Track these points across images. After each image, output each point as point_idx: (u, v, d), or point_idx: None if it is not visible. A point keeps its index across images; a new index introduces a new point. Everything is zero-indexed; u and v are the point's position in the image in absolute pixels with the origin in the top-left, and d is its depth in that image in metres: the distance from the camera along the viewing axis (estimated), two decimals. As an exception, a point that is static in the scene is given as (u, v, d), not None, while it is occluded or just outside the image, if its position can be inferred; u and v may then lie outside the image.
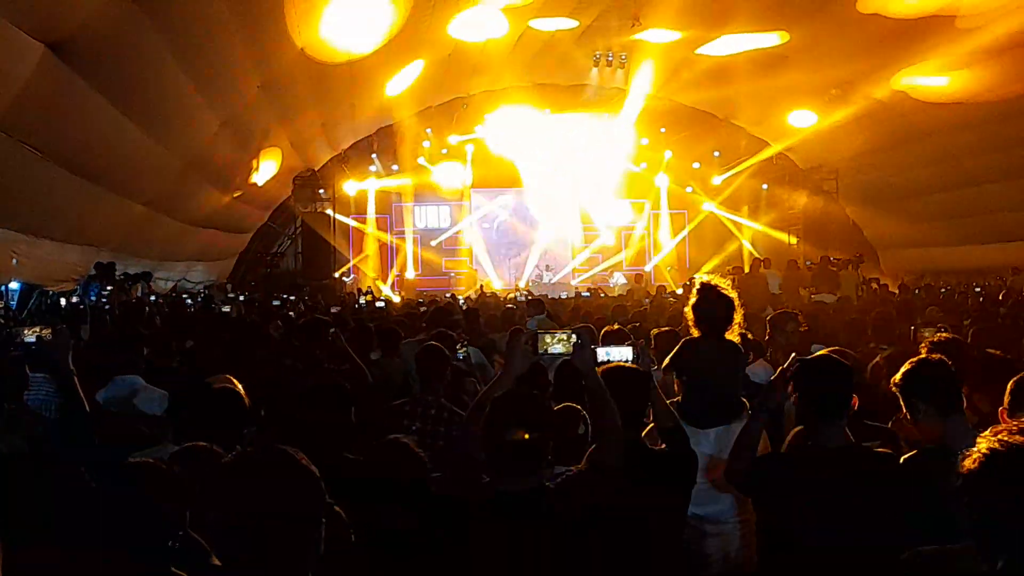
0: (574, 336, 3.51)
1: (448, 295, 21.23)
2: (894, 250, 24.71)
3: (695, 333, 4.96)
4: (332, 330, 6.65)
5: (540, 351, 3.52)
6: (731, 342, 4.89)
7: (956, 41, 15.30)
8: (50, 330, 4.25)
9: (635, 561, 3.16)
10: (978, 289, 17.02)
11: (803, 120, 22.41)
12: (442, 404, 5.09)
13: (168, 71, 12.18)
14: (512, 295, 22.07)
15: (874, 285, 19.54)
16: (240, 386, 4.28)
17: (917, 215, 22.23)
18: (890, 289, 18.91)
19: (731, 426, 4.33)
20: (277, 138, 19.25)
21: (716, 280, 5.05)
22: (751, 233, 27.77)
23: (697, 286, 5.00)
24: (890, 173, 21.93)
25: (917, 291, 17.79)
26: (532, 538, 2.96)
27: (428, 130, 25.97)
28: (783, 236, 26.81)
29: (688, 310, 5.03)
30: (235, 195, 19.63)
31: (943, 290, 17.91)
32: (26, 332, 4.27)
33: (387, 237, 28.74)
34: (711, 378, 4.66)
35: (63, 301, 13.20)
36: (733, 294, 4.97)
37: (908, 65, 16.96)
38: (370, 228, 28.55)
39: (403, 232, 29.04)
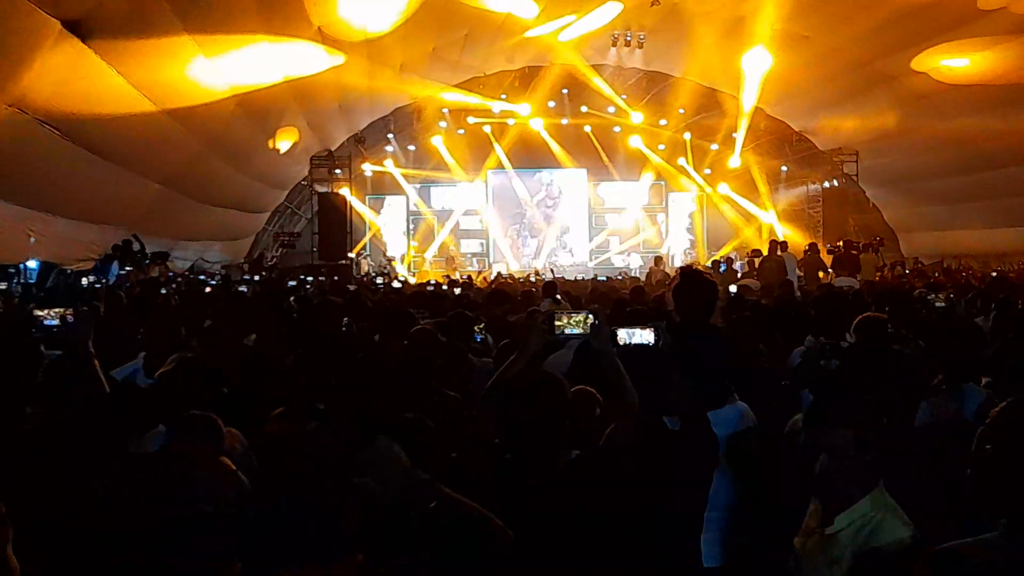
0: (591, 316, 3.45)
1: (465, 277, 21.21)
2: (914, 233, 24.52)
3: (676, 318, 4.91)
4: (346, 320, 6.59)
5: (556, 331, 3.47)
6: (714, 326, 4.85)
7: (977, 21, 15.10)
8: (72, 311, 4.23)
9: (652, 541, 3.12)
10: (994, 273, 16.86)
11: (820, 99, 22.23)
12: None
13: (185, 50, 12.14)
14: (529, 277, 22.06)
15: (898, 269, 19.41)
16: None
17: (937, 198, 22.05)
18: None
19: (718, 412, 4.28)
20: (294, 118, 19.21)
21: (700, 265, 5.02)
22: (769, 215, 27.63)
23: (679, 272, 5.00)
24: (910, 155, 21.74)
25: (936, 275, 17.66)
26: (548, 517, 2.92)
27: (445, 111, 25.87)
28: (801, 219, 26.69)
29: (670, 296, 4.99)
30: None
31: (964, 273, 17.76)
32: (48, 314, 4.25)
33: (403, 217, 28.78)
34: (694, 363, 4.59)
35: (84, 281, 13.22)
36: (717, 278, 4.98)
37: (929, 46, 16.75)
38: (387, 208, 28.57)
39: (419, 213, 29.06)
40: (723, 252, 27.24)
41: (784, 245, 18.50)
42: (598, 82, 24.41)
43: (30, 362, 4.18)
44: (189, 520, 3.00)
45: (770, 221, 27.27)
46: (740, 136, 25.07)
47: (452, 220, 28.97)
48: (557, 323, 3.47)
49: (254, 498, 3.29)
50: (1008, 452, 2.36)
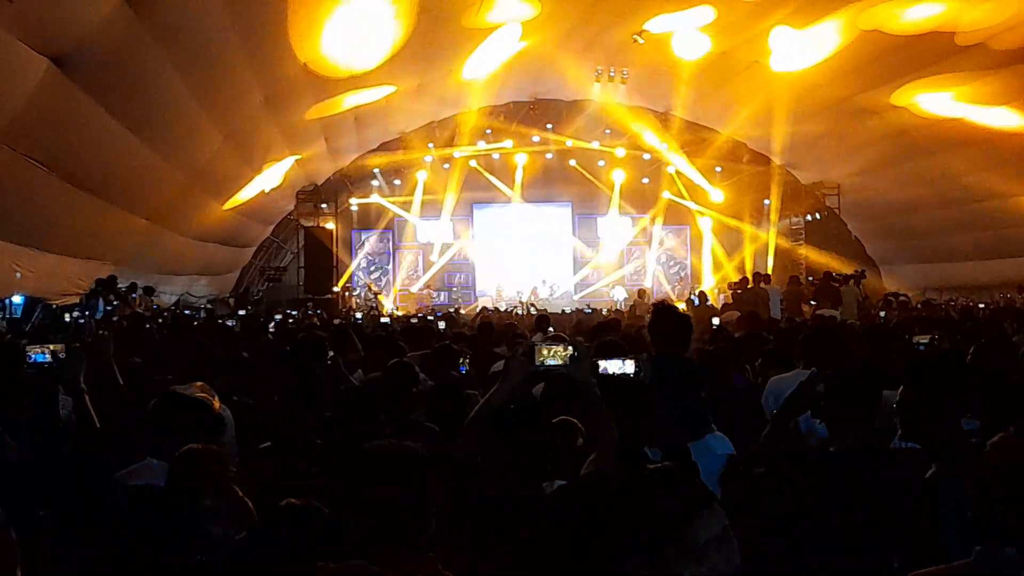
0: (571, 348, 3.52)
1: (452, 310, 21.29)
2: (896, 266, 24.73)
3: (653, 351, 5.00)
4: (331, 354, 6.62)
5: (537, 363, 3.53)
6: (689, 359, 4.94)
7: (956, 57, 15.35)
8: (63, 347, 4.30)
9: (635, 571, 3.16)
10: (982, 305, 17.02)
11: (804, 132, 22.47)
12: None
13: (171, 86, 12.23)
14: (516, 311, 22.15)
15: (875, 303, 19.56)
16: (212, 395, 4.31)
17: (918, 231, 22.29)
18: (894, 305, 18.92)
19: (696, 444, 4.34)
20: (280, 152, 19.30)
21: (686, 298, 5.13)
22: (752, 248, 27.80)
23: (652, 307, 5.09)
24: (891, 189, 21.98)
25: (919, 306, 17.80)
26: (529, 545, 2.97)
27: (430, 145, 26.02)
28: (785, 248, 26.88)
29: (645, 331, 5.10)
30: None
31: (944, 305, 17.90)
32: (36, 349, 4.31)
33: (389, 251, 28.87)
34: (671, 396, 4.66)
35: (67, 316, 13.22)
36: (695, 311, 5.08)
37: (909, 81, 16.99)
38: (372, 242, 28.66)
39: (406, 246, 29.15)
40: (707, 284, 27.44)
41: (768, 278, 18.67)
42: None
43: (21, 396, 4.24)
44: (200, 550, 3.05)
45: (753, 253, 27.43)
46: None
47: (438, 254, 29.03)
48: (537, 355, 3.54)
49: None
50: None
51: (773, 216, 27.06)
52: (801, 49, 17.21)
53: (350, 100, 18.28)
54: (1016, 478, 2.44)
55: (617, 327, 10.05)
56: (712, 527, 1.93)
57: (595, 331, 8.73)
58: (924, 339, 6.70)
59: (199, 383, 4.53)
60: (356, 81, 16.77)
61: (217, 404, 4.30)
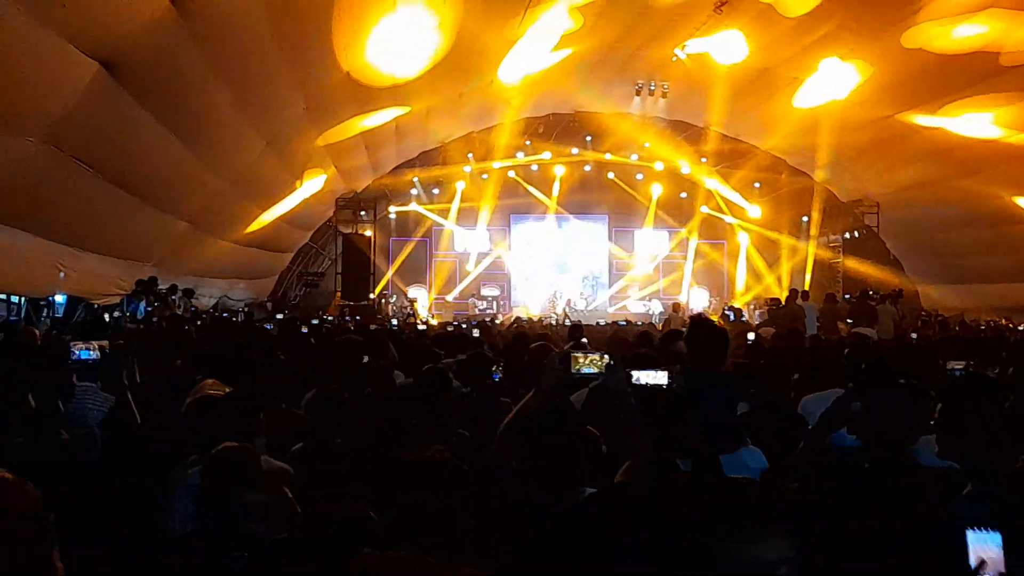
0: (606, 357, 3.55)
1: (488, 319, 21.33)
2: (934, 286, 24.48)
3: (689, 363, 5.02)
4: (366, 359, 6.69)
5: (572, 370, 3.56)
6: (725, 372, 4.94)
7: (1000, 77, 15.22)
8: (107, 344, 4.40)
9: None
10: (1022, 328, 16.82)
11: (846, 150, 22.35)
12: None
13: (214, 92, 12.38)
14: (550, 322, 22.16)
15: (913, 323, 19.38)
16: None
17: (958, 250, 22.04)
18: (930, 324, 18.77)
19: (729, 457, 4.35)
20: (321, 159, 19.47)
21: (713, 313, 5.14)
22: (790, 264, 27.64)
23: (690, 320, 5.12)
24: (931, 208, 21.77)
25: (956, 328, 17.63)
26: (562, 551, 3.00)
27: (470, 155, 26.14)
28: (823, 265, 26.70)
29: (682, 343, 5.11)
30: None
31: (982, 327, 17.71)
32: (80, 346, 4.41)
33: (426, 260, 29.00)
34: (705, 408, 4.66)
35: (107, 317, 13.41)
36: (731, 326, 5.09)
37: (950, 101, 16.86)
38: (410, 250, 28.81)
39: (442, 255, 29.26)
40: (742, 301, 27.31)
41: (805, 294, 18.54)
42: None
43: (65, 391, 4.32)
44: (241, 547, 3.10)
45: (791, 270, 27.28)
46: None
47: (474, 263, 29.13)
48: (573, 363, 3.57)
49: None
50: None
51: (812, 231, 26.89)
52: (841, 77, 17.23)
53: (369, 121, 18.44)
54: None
55: (651, 340, 10.05)
56: (782, 550, 1.95)
57: (629, 343, 8.74)
58: (959, 365, 6.61)
59: (212, 381, 4.62)
60: (396, 91, 16.92)
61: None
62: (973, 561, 3.01)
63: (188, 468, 3.81)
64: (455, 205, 27.93)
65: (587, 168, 27.87)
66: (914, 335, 15.40)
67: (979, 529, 3.05)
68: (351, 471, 4.10)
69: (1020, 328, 16.72)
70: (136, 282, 15.17)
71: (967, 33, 14.44)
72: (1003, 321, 18.59)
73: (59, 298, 13.64)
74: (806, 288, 22.29)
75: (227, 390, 4.57)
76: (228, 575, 3.06)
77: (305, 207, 21.87)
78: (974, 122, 17.19)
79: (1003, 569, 2.96)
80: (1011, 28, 13.97)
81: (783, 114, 21.11)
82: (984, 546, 2.97)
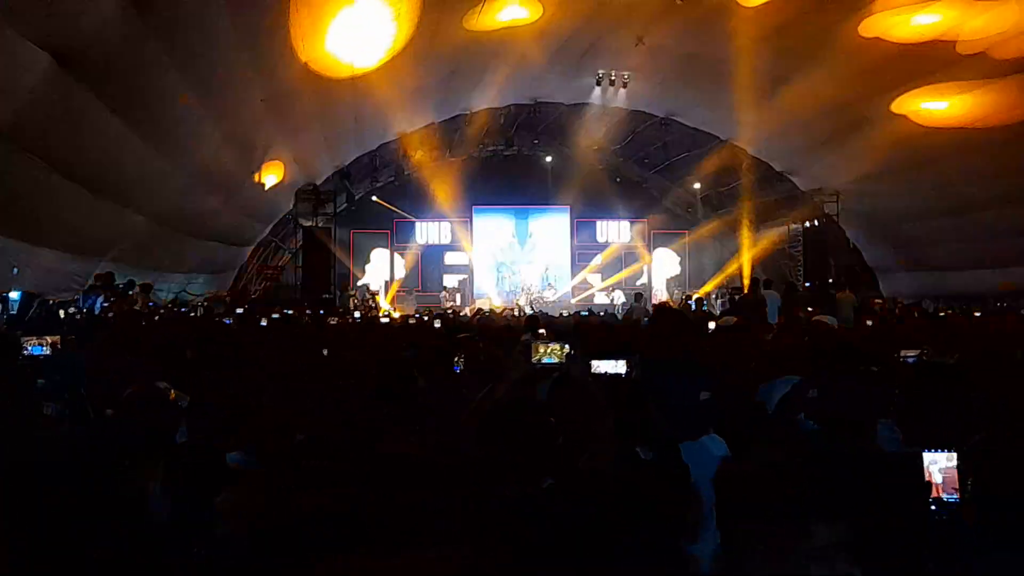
0: (567, 347, 3.55)
1: (449, 311, 21.31)
2: (893, 274, 24.76)
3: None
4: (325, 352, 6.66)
5: (533, 360, 3.56)
6: (687, 361, 4.96)
7: (957, 66, 15.39)
8: (59, 339, 4.33)
9: (626, 567, 3.18)
10: (977, 314, 17.04)
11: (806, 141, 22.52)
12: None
13: (172, 85, 12.25)
14: (513, 312, 22.17)
15: (876, 307, 19.59)
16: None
17: (917, 239, 22.30)
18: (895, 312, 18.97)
19: (689, 445, 4.36)
20: (279, 152, 19.32)
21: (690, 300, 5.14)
22: (751, 254, 27.83)
23: (653, 309, 5.13)
24: (891, 197, 22.00)
25: (916, 315, 17.82)
26: (526, 540, 2.98)
27: (431, 147, 26.05)
28: (783, 254, 26.91)
29: (642, 332, 5.14)
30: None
31: (941, 315, 17.92)
32: (32, 341, 4.34)
33: (387, 252, 28.90)
34: (666, 396, 4.67)
35: (62, 312, 13.22)
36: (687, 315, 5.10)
37: (909, 90, 17.04)
38: (371, 243, 28.69)
39: (404, 247, 29.18)
40: (704, 289, 27.48)
41: (768, 283, 18.66)
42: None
43: (23, 386, 4.25)
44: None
45: (752, 259, 27.48)
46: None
47: (435, 255, 29.10)
48: (534, 353, 3.57)
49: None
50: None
51: (773, 220, 27.10)
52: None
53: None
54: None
55: (611, 330, 10.08)
56: (840, 534, 1.94)
57: (590, 333, 8.74)
58: (912, 353, 6.67)
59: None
60: (357, 81, 16.82)
61: (173, 395, 4.31)
62: (928, 478, 3.09)
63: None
64: (417, 197, 27.79)
65: (548, 159, 27.88)
66: (869, 323, 15.59)
67: (935, 449, 3.14)
68: (320, 466, 4.05)
69: (977, 315, 16.93)
70: (93, 276, 14.98)
71: (923, 22, 14.59)
72: (955, 311, 18.82)
73: (13, 295, 13.42)
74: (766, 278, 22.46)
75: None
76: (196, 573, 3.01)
77: (264, 199, 21.70)
78: (933, 111, 17.38)
79: (956, 485, 3.04)
80: (966, 17, 14.13)
81: (743, 104, 21.20)
82: (939, 465, 3.07)
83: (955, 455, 3.14)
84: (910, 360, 6.50)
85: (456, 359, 6.65)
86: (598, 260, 30.10)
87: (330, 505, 3.02)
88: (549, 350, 3.54)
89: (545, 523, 3.04)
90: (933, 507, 3.09)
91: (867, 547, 2.04)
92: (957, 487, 3.10)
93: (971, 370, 6.18)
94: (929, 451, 3.18)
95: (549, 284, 28.51)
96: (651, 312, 18.21)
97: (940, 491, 3.13)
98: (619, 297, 27.75)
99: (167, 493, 3.32)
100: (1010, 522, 2.77)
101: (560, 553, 2.93)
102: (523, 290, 27.79)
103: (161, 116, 13.06)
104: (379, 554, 2.61)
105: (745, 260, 27.79)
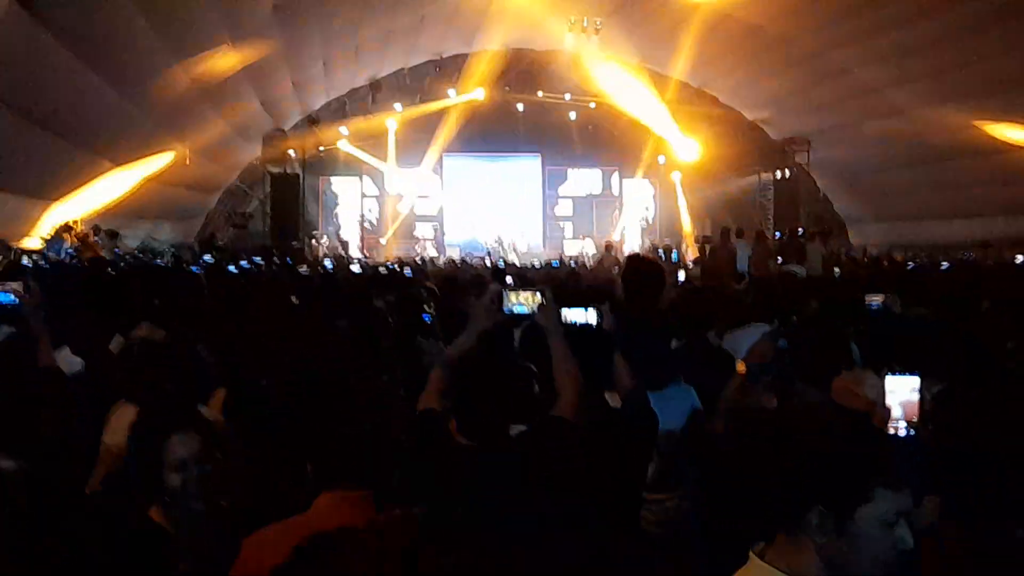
0: (538, 295, 3.53)
1: (418, 259, 21.27)
2: (864, 224, 24.93)
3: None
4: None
5: (505, 309, 3.54)
6: (658, 311, 4.97)
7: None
8: (20, 285, 4.25)
9: (597, 513, 3.20)
10: (945, 264, 17.18)
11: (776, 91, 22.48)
12: None
13: (136, 25, 12.01)
14: (484, 262, 22.13)
15: (842, 257, 19.74)
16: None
17: (887, 189, 22.44)
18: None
19: (663, 392, 4.37)
20: (246, 95, 19.04)
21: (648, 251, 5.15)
22: (721, 203, 27.90)
23: (625, 259, 5.12)
24: (861, 147, 22.08)
25: (886, 264, 17.98)
26: (498, 491, 2.99)
27: (400, 92, 25.77)
28: (753, 203, 27.03)
29: (613, 280, 5.14)
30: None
31: (909, 265, 18.08)
32: (3, 288, 4.26)
33: (357, 199, 28.72)
34: (639, 346, 4.69)
35: (25, 259, 13.04)
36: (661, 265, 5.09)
37: (881, 39, 16.99)
38: (340, 189, 28.49)
39: (374, 195, 29.00)
40: (675, 239, 27.55)
41: (740, 232, 18.72)
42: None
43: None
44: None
45: (723, 207, 27.54)
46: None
47: (405, 203, 28.95)
48: (506, 300, 3.55)
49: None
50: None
51: (743, 169, 27.17)
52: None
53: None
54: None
55: (580, 279, 10.12)
56: (900, 503, 1.94)
57: (561, 282, 8.77)
58: (876, 298, 6.68)
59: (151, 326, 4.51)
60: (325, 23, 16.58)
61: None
62: (890, 402, 3.13)
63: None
64: (389, 145, 27.54)
65: (520, 107, 27.66)
66: (837, 269, 15.73)
67: (897, 372, 3.18)
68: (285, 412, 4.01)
69: (945, 265, 17.07)
70: (58, 223, 14.82)
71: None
72: (923, 259, 19.00)
73: (-25, 242, 13.25)
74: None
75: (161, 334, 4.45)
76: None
77: (231, 144, 21.44)
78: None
79: (916, 415, 3.08)
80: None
81: (715, 51, 21.11)
82: (899, 393, 3.11)
83: (917, 379, 3.15)
84: (874, 306, 6.52)
85: (426, 307, 6.64)
86: (569, 209, 30.07)
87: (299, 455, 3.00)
88: (521, 298, 3.51)
89: (515, 470, 3.04)
90: (892, 434, 3.12)
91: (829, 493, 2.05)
92: (917, 416, 3.13)
93: (937, 320, 6.26)
94: (892, 374, 3.19)
95: (523, 234, 28.47)
96: (622, 262, 18.25)
97: (898, 420, 3.15)
98: (589, 247, 27.78)
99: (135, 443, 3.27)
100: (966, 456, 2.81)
101: (527, 500, 2.94)
102: (497, 241, 27.71)
103: (125, 58, 12.82)
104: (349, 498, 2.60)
105: (716, 209, 27.86)
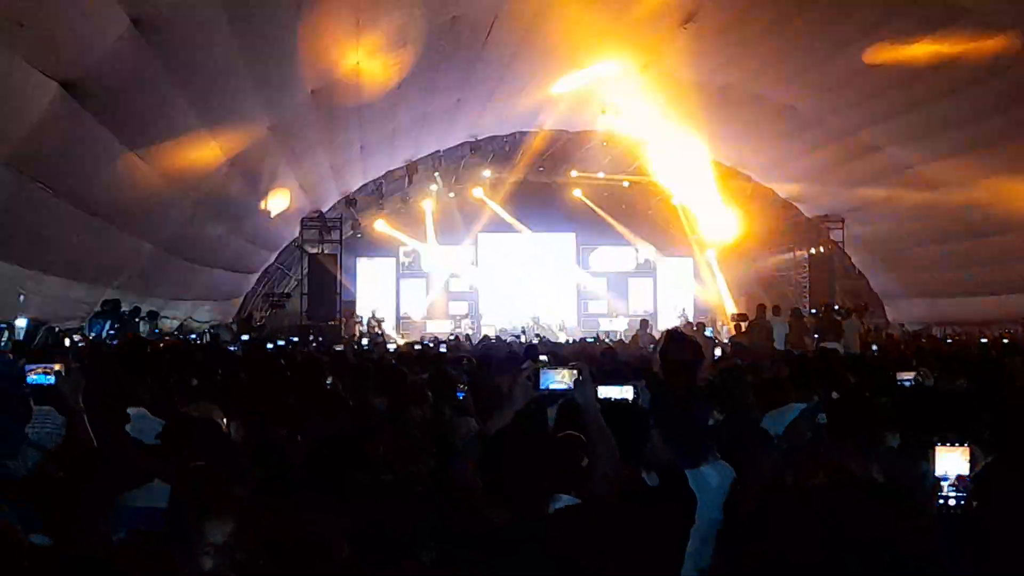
0: (575, 372, 3.54)
1: (453, 336, 21.31)
2: (899, 300, 24.72)
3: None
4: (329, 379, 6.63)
5: (541, 386, 3.55)
6: (695, 387, 4.95)
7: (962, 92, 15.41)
8: (62, 366, 4.32)
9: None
10: (984, 340, 16.98)
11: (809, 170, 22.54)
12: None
13: (179, 111, 12.29)
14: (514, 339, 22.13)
15: (876, 335, 19.57)
16: (222, 417, 4.31)
17: (922, 265, 22.28)
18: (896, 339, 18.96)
19: (701, 470, 4.33)
20: (285, 179, 19.37)
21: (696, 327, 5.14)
22: (757, 280, 27.80)
23: (664, 334, 5.12)
24: (895, 224, 22.03)
25: (923, 341, 17.81)
26: (527, 569, 2.96)
27: (436, 174, 26.13)
28: (789, 280, 26.90)
29: (649, 357, 5.14)
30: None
31: (948, 340, 17.89)
32: (37, 370, 4.33)
33: (393, 279, 28.91)
34: (674, 422, 4.66)
35: (67, 341, 13.22)
36: (700, 341, 5.09)
37: (913, 116, 17.06)
38: (377, 269, 28.72)
39: (410, 275, 29.19)
40: (710, 316, 27.42)
41: (775, 309, 18.65)
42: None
43: (22, 415, 4.24)
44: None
45: (759, 285, 27.43)
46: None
47: (441, 282, 29.13)
48: (542, 378, 3.56)
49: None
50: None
51: (779, 247, 27.12)
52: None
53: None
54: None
55: (616, 355, 10.09)
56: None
57: (596, 359, 8.74)
58: (908, 376, 6.63)
59: (207, 404, 4.54)
60: (363, 109, 16.90)
61: (225, 426, 4.31)
62: (938, 471, 3.08)
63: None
64: (427, 225, 27.85)
65: (554, 185, 27.93)
66: (875, 347, 15.57)
67: (947, 443, 3.14)
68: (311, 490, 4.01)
69: (982, 341, 16.87)
70: (100, 304, 15.02)
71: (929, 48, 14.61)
72: (960, 336, 18.80)
73: (20, 322, 13.43)
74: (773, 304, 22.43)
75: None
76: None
77: (271, 226, 21.75)
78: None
79: (966, 486, 3.04)
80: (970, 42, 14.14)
81: (748, 130, 21.28)
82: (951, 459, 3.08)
83: (967, 449, 3.13)
84: (906, 383, 6.48)
85: (461, 386, 6.65)
86: (603, 286, 30.10)
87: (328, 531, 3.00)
88: (557, 375, 3.52)
89: (551, 547, 3.02)
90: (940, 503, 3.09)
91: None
92: (967, 487, 3.11)
93: (976, 396, 6.18)
94: (942, 444, 3.17)
95: (553, 310, 28.48)
96: (657, 339, 18.18)
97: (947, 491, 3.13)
98: (622, 324, 27.74)
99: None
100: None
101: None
102: (532, 319, 27.74)
103: (167, 143, 13.08)
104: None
105: (752, 286, 27.75)
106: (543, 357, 9.25)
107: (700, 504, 4.04)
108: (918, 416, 4.09)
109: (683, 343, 5.05)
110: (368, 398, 6.08)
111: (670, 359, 4.97)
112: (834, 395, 5.57)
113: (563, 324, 28.45)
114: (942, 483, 3.14)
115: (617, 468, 3.44)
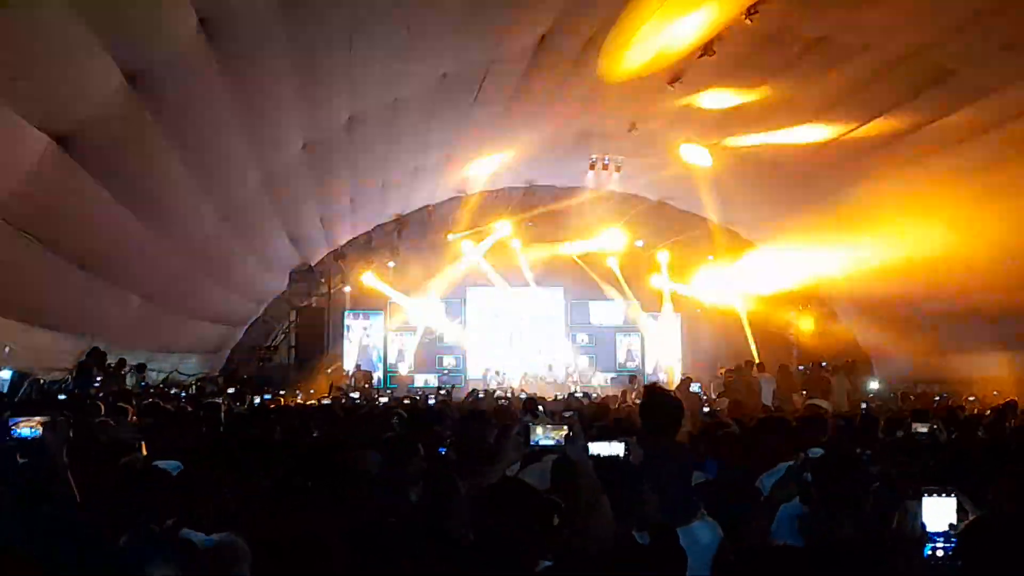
0: (565, 428, 3.54)
1: (443, 392, 21.25)
2: (888, 358, 24.72)
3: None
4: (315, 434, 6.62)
5: (532, 442, 3.55)
6: (678, 443, 4.95)
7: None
8: (48, 420, 4.30)
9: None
10: (971, 398, 17.02)
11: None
12: None
13: (170, 166, 12.32)
14: (505, 394, 22.05)
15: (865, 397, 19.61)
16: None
17: (909, 323, 22.31)
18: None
19: (690, 527, 4.32)
20: (276, 232, 19.41)
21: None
22: (745, 336, 27.79)
23: (644, 390, 5.14)
24: (883, 282, 22.09)
25: (913, 398, 17.85)
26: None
27: (426, 228, 26.20)
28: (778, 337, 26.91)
29: (635, 414, 5.15)
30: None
31: (936, 399, 17.92)
32: (21, 423, 4.31)
33: (382, 332, 28.80)
34: (660, 479, 4.66)
35: (55, 390, 13.15)
36: (680, 396, 5.11)
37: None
38: (364, 323, 28.62)
39: (398, 328, 29.08)
40: (697, 371, 27.34)
41: (761, 366, 18.69)
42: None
43: (5, 469, 4.21)
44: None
45: (748, 342, 27.44)
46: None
47: (429, 336, 29.05)
48: (533, 434, 3.56)
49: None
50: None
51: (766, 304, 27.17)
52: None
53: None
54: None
55: (607, 412, 10.06)
56: None
57: (585, 415, 8.73)
58: (923, 427, 6.69)
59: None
60: (354, 167, 17.00)
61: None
62: (924, 522, 3.08)
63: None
64: (412, 278, 27.81)
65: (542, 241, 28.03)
66: (864, 405, 15.60)
67: (935, 494, 3.14)
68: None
69: (970, 399, 16.90)
70: (86, 354, 14.96)
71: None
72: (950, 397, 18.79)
73: (4, 374, 13.36)
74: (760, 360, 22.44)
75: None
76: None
77: (258, 279, 21.75)
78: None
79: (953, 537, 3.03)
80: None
81: (734, 190, 21.42)
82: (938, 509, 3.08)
83: (954, 500, 3.14)
84: (921, 435, 6.57)
85: (446, 441, 6.62)
86: (591, 342, 30.03)
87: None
88: (549, 431, 3.53)
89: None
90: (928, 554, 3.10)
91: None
92: (954, 533, 3.11)
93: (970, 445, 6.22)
94: (928, 495, 3.18)
95: (550, 367, 28.36)
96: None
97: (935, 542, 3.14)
98: (610, 379, 27.68)
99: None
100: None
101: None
102: (524, 374, 27.63)
103: (158, 197, 13.10)
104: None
105: (740, 342, 27.74)
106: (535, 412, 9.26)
107: (690, 562, 4.03)
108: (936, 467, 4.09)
109: (661, 398, 5.06)
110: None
111: (649, 415, 4.97)
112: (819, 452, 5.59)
113: (554, 377, 28.17)
114: (930, 535, 3.14)
115: (609, 524, 3.42)
